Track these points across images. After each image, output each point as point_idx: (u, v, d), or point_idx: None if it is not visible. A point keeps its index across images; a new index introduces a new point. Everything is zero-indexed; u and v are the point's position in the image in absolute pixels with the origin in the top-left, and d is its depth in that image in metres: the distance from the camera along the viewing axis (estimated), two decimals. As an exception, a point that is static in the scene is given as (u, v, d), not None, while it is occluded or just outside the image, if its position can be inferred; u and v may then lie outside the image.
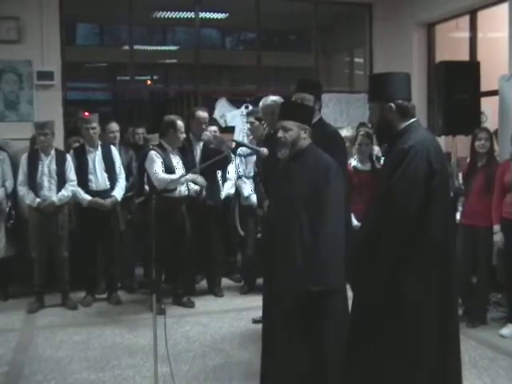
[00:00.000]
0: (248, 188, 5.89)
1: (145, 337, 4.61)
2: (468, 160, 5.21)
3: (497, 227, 4.75)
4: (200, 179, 5.30)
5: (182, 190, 5.28)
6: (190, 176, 5.19)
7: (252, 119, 5.72)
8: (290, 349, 3.13)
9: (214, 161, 4.21)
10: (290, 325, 3.13)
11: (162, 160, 5.21)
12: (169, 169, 5.22)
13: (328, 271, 3.02)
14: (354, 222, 4.74)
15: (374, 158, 5.44)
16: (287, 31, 11.42)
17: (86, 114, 5.70)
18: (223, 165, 5.69)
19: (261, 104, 4.57)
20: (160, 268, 5.17)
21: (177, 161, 5.35)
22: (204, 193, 5.41)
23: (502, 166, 4.88)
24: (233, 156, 5.96)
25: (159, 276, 5.19)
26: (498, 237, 4.74)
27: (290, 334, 3.14)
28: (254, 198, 5.76)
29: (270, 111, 4.36)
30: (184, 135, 5.36)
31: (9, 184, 5.66)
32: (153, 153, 5.24)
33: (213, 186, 5.69)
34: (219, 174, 5.96)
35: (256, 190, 5.68)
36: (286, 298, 3.12)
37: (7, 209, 5.72)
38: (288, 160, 3.28)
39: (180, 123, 5.31)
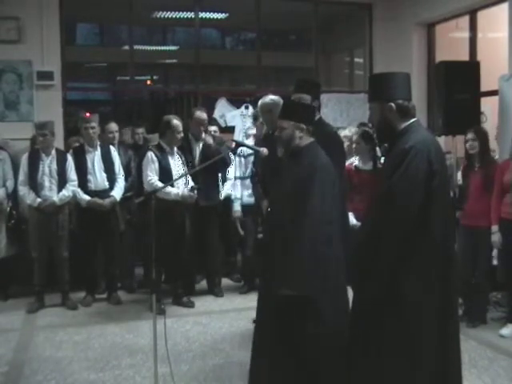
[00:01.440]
0: (239, 190, 5.88)
1: (145, 337, 4.61)
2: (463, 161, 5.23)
3: (495, 227, 4.74)
4: (191, 198, 5.24)
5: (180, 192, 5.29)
6: (180, 193, 5.20)
7: (258, 123, 5.69)
8: (275, 350, 3.11)
9: (212, 161, 4.21)
10: (276, 326, 3.11)
11: (158, 162, 5.23)
12: (165, 171, 5.23)
13: (301, 276, 2.93)
14: (354, 221, 4.74)
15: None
16: (287, 31, 11.41)
17: (88, 114, 5.69)
18: (223, 166, 5.71)
19: (259, 102, 4.58)
20: (160, 268, 5.16)
21: (175, 162, 5.34)
22: (196, 193, 5.36)
23: (502, 165, 4.88)
24: (233, 157, 5.96)
25: (159, 276, 5.19)
26: (496, 237, 4.73)
27: (276, 334, 3.11)
28: (237, 205, 5.83)
29: (267, 109, 4.37)
30: (182, 134, 5.36)
31: (10, 184, 5.66)
32: (150, 154, 5.26)
33: (210, 187, 5.69)
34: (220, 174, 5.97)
35: (254, 189, 5.69)
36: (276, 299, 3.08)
37: (8, 209, 5.72)
38: (286, 159, 3.30)
39: (176, 122, 5.31)
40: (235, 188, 5.91)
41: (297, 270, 2.95)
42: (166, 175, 5.18)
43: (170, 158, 5.31)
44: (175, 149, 5.41)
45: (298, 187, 3.06)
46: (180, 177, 5.02)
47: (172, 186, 5.13)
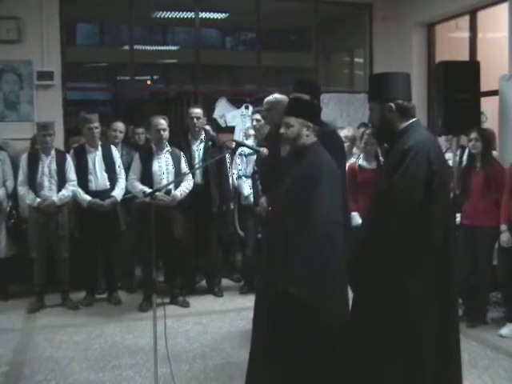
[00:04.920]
0: (247, 187, 5.88)
1: (145, 337, 4.62)
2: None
3: (504, 227, 4.73)
4: (168, 199, 5.23)
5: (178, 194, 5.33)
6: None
7: (257, 117, 5.67)
8: (271, 349, 3.09)
9: (213, 161, 4.21)
10: (274, 325, 3.09)
11: (140, 163, 5.33)
12: (146, 172, 5.32)
13: (305, 275, 2.92)
14: (359, 220, 4.72)
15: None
16: (287, 31, 11.40)
17: (91, 115, 5.69)
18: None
19: (264, 100, 4.59)
20: (151, 267, 5.13)
21: (160, 164, 5.34)
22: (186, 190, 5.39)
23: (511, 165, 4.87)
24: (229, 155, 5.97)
25: (149, 274, 5.15)
26: (505, 236, 4.71)
27: (273, 334, 3.09)
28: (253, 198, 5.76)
29: (268, 107, 4.36)
30: (165, 133, 5.35)
31: (9, 184, 5.67)
32: (137, 154, 5.42)
33: (220, 191, 5.70)
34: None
35: (253, 187, 5.69)
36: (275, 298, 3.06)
37: (8, 208, 5.73)
38: (290, 157, 3.26)
39: (155, 121, 5.34)
40: (244, 184, 5.89)
41: (302, 268, 2.93)
42: (146, 177, 5.30)
43: (155, 159, 5.34)
44: (166, 148, 5.41)
45: (303, 186, 3.02)
46: (169, 183, 5.12)
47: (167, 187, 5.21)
